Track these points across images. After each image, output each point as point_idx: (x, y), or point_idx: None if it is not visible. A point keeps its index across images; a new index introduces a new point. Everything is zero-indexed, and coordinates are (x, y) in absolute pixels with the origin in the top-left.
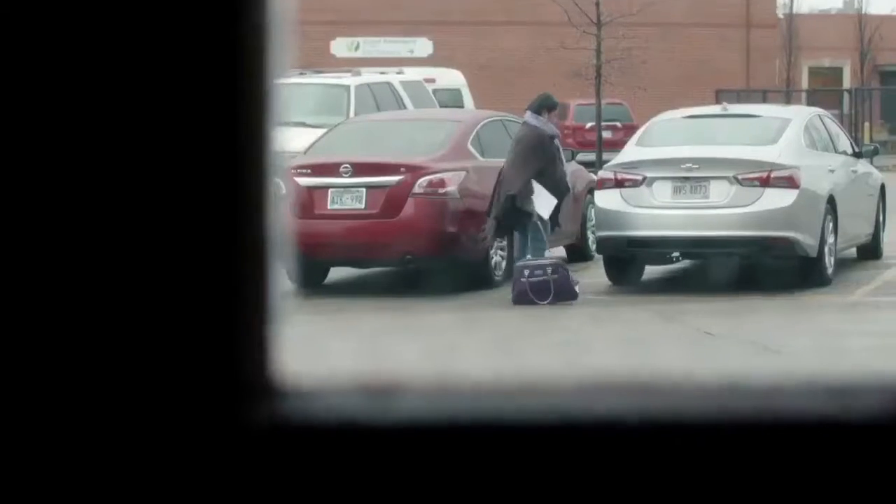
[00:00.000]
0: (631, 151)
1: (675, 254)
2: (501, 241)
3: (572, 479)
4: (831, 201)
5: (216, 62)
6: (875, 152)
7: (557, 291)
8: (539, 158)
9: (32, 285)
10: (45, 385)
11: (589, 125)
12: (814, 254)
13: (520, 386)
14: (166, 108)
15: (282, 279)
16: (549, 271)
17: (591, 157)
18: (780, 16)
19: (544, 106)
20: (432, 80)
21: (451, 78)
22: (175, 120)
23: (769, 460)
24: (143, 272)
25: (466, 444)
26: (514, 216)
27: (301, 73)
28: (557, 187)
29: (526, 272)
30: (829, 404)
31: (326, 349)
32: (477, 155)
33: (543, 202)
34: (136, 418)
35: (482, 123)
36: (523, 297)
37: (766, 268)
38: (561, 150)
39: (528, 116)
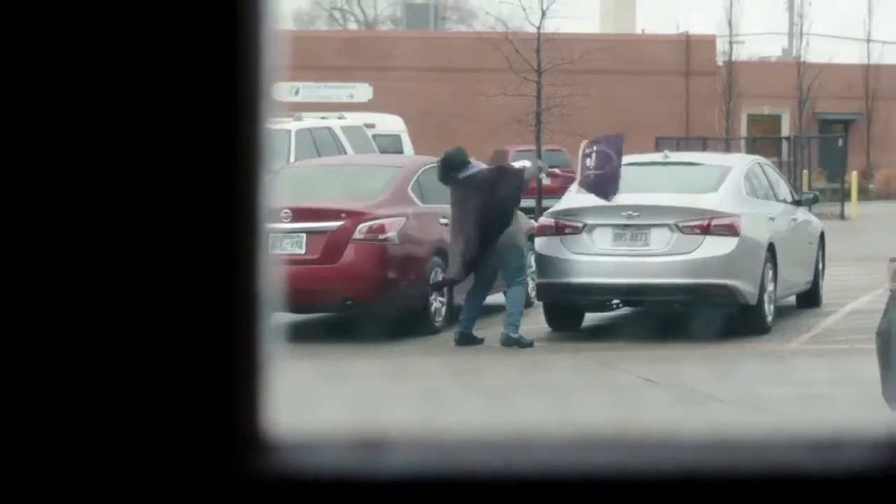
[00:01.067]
0: (571, 198)
1: (615, 301)
2: (442, 288)
3: None
4: (771, 249)
5: (211, 108)
6: (815, 200)
7: None
8: (509, 187)
9: (30, 323)
10: (39, 432)
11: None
12: (753, 301)
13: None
14: (159, 158)
15: (272, 332)
16: None
17: (531, 203)
18: (720, 63)
19: (460, 161)
20: (372, 126)
21: (391, 123)
22: (168, 172)
23: None
24: (135, 323)
25: (454, 499)
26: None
27: None
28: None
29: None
30: (764, 460)
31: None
32: (417, 201)
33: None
34: (126, 469)
35: (423, 169)
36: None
37: (706, 315)
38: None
39: (462, 175)
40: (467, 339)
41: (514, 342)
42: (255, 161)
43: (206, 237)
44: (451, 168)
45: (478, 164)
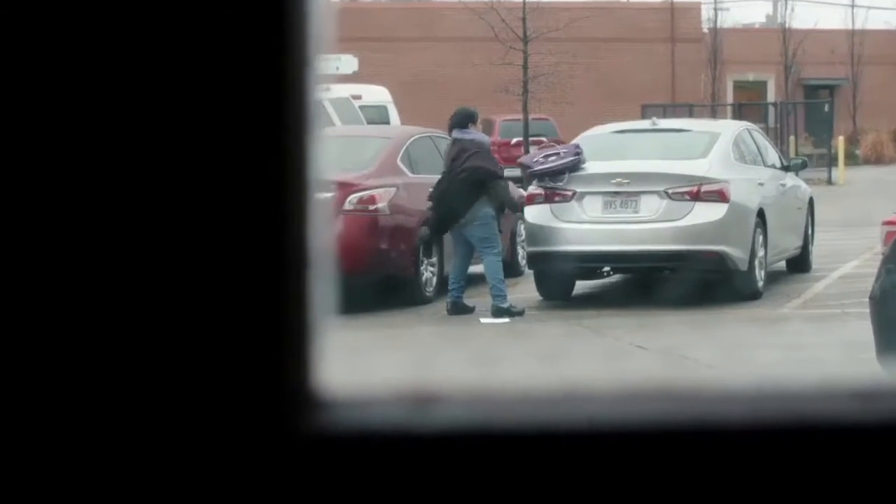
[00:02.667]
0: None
1: (606, 268)
2: (432, 257)
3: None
4: (761, 215)
5: (258, 77)
6: (803, 165)
7: None
8: (486, 162)
9: (77, 298)
10: (91, 395)
11: (515, 141)
12: (744, 267)
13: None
14: (215, 123)
15: (326, 290)
16: None
17: (519, 172)
18: (705, 30)
19: (469, 120)
20: (359, 97)
21: (377, 94)
22: (222, 136)
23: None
24: (189, 285)
25: (505, 452)
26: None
27: None
28: (510, 203)
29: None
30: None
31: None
32: (407, 171)
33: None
34: (182, 430)
35: (411, 140)
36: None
37: (697, 282)
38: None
39: (456, 133)
40: (458, 308)
41: (503, 312)
42: (303, 125)
43: (257, 199)
44: (452, 122)
45: (476, 133)
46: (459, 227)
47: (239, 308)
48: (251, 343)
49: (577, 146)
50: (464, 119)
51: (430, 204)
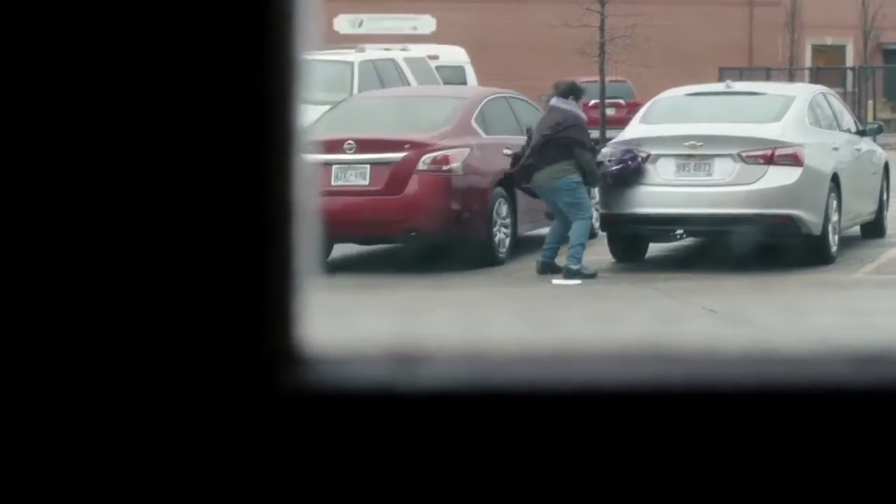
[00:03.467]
0: (635, 129)
1: (679, 231)
2: (506, 219)
3: (596, 445)
4: (835, 179)
5: (242, 36)
6: (879, 130)
7: None
8: (573, 131)
9: (64, 258)
10: (74, 358)
11: (592, 102)
12: (817, 232)
13: (540, 354)
14: (193, 82)
15: (307, 248)
16: None
17: (595, 134)
18: None
19: (572, 92)
20: (436, 57)
21: (455, 55)
22: (201, 94)
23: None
24: (171, 242)
25: (486, 411)
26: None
27: None
28: (592, 173)
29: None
30: (850, 373)
31: (344, 321)
32: (481, 132)
33: None
34: (162, 388)
35: (486, 100)
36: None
37: (769, 246)
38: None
39: (556, 101)
40: (547, 268)
41: (574, 273)
42: (288, 85)
43: (240, 157)
44: (556, 91)
45: (573, 107)
46: (545, 192)
47: (221, 265)
48: (233, 300)
49: (630, 150)
50: (567, 90)
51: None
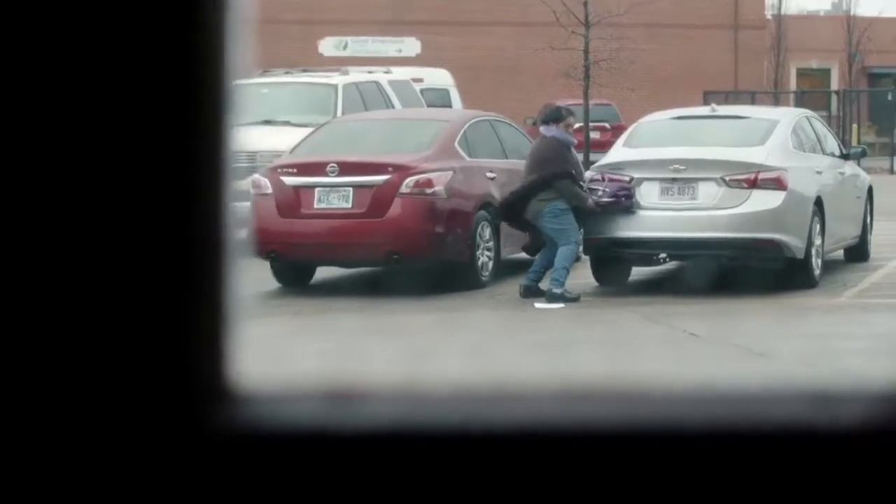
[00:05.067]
0: (618, 152)
1: (662, 255)
2: (489, 242)
3: (537, 486)
4: (819, 203)
5: (173, 62)
6: (863, 154)
7: None
8: (556, 164)
9: None
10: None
11: (577, 126)
12: (801, 256)
13: (488, 392)
14: (122, 107)
15: (242, 280)
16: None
17: (580, 157)
18: (769, 17)
19: (553, 119)
20: (420, 80)
21: (440, 78)
22: (131, 119)
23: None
24: (96, 273)
25: (427, 452)
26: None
27: (287, 72)
28: (579, 201)
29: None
30: (811, 412)
31: (299, 351)
32: (464, 155)
33: None
34: (85, 422)
35: (469, 123)
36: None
37: (753, 270)
38: (578, 162)
39: (543, 129)
40: (530, 292)
41: (556, 297)
42: (217, 110)
43: (169, 187)
44: (543, 118)
45: (559, 132)
46: (534, 220)
47: (151, 299)
48: (163, 336)
49: (627, 186)
50: (547, 117)
51: (494, 198)
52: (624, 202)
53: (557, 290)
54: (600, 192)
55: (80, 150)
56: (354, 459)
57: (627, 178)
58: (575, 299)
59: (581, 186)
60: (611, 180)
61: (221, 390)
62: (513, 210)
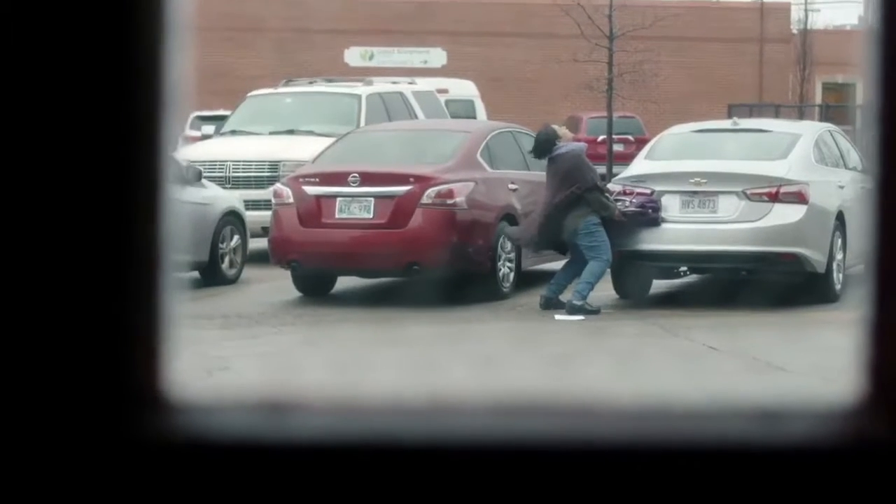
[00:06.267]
0: (640, 165)
1: (683, 268)
2: (510, 253)
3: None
4: (840, 217)
5: (108, 71)
6: None
7: None
8: (581, 178)
9: None
10: None
11: (601, 138)
12: (822, 270)
13: (427, 405)
14: (57, 114)
15: (177, 288)
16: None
17: (602, 170)
18: (795, 31)
19: (551, 143)
20: (445, 91)
21: (464, 89)
22: (66, 127)
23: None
24: (30, 280)
25: (363, 465)
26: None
27: (311, 82)
28: (606, 209)
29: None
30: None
31: (307, 362)
32: (486, 166)
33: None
34: (17, 429)
35: (492, 135)
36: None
37: (773, 283)
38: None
39: (551, 154)
40: (551, 304)
41: (577, 309)
42: (153, 122)
43: (104, 196)
44: (540, 151)
45: (567, 145)
46: (570, 237)
47: (85, 307)
48: (96, 344)
49: (654, 200)
50: (547, 145)
51: (515, 210)
52: (651, 214)
53: (578, 302)
54: (627, 203)
55: (15, 156)
56: (283, 471)
57: (650, 192)
58: (595, 312)
59: (606, 195)
60: (638, 194)
61: (155, 399)
62: (548, 233)
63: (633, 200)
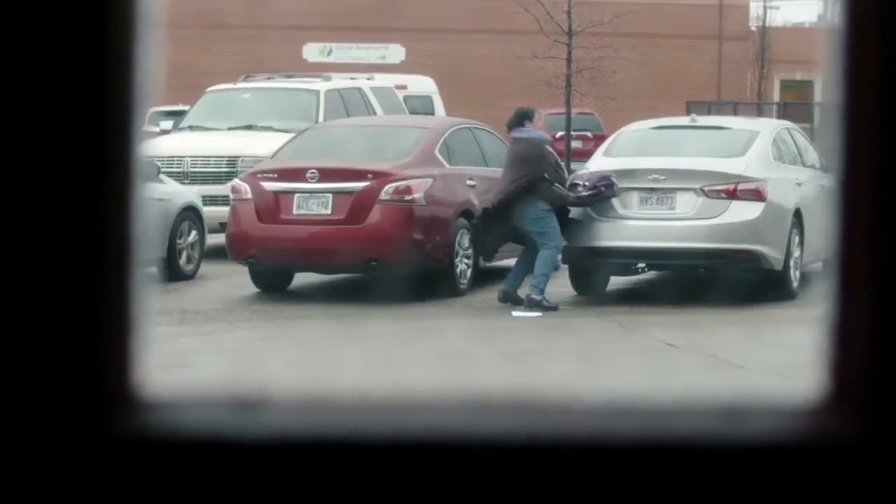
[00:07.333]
0: (598, 161)
1: (641, 265)
2: (468, 249)
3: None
4: (798, 215)
5: (81, 69)
6: None
7: None
8: (534, 166)
9: None
10: None
11: (559, 134)
12: (779, 267)
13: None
14: (29, 112)
15: (147, 287)
16: None
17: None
18: (753, 28)
19: (524, 118)
20: (404, 87)
21: (423, 85)
22: (38, 125)
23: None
24: (3, 281)
25: (331, 461)
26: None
27: (269, 78)
28: (559, 200)
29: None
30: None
31: (265, 359)
32: (444, 162)
33: None
34: None
35: (450, 131)
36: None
37: (731, 280)
38: (557, 158)
39: (515, 132)
40: (509, 297)
41: (535, 304)
42: (124, 117)
43: (77, 194)
44: (509, 124)
45: (531, 131)
46: (520, 224)
47: (57, 306)
48: (67, 341)
49: (606, 176)
50: (518, 118)
51: (474, 206)
52: (605, 192)
53: (537, 297)
54: (580, 188)
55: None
56: (252, 467)
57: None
58: (553, 308)
59: (561, 184)
60: (591, 175)
61: (126, 396)
62: (500, 217)
63: (586, 183)
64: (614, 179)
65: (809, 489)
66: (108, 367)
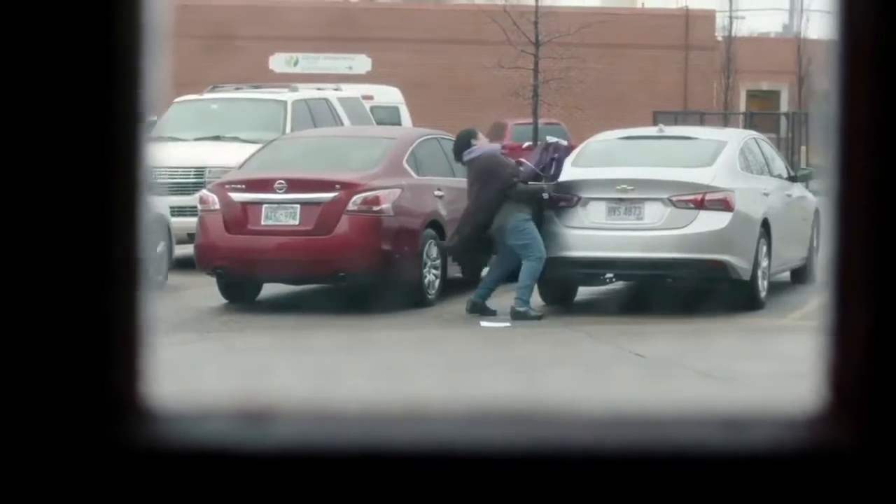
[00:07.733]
0: (566, 172)
1: (609, 275)
2: (436, 260)
3: None
4: (765, 225)
5: (87, 83)
6: (811, 176)
7: None
8: (500, 176)
9: None
10: None
11: (526, 144)
12: (747, 277)
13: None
14: (36, 127)
15: (154, 300)
16: None
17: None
18: (719, 38)
19: (467, 140)
20: (370, 97)
21: (390, 95)
22: (45, 138)
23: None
24: (10, 288)
25: (338, 472)
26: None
27: (237, 88)
28: (531, 195)
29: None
30: (721, 437)
31: (222, 369)
32: (412, 173)
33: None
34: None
35: (418, 141)
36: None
37: (699, 290)
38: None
39: (465, 156)
40: (478, 308)
41: (520, 315)
42: (131, 130)
43: (85, 207)
44: (456, 150)
45: (480, 148)
46: (499, 236)
47: (66, 317)
48: (76, 352)
49: (550, 145)
50: (465, 141)
51: (442, 217)
52: (560, 155)
53: (521, 308)
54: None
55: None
56: (258, 478)
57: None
58: (539, 317)
59: (524, 182)
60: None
61: (133, 407)
62: (479, 238)
63: (538, 165)
64: (550, 140)
65: (809, 498)
66: (112, 377)
